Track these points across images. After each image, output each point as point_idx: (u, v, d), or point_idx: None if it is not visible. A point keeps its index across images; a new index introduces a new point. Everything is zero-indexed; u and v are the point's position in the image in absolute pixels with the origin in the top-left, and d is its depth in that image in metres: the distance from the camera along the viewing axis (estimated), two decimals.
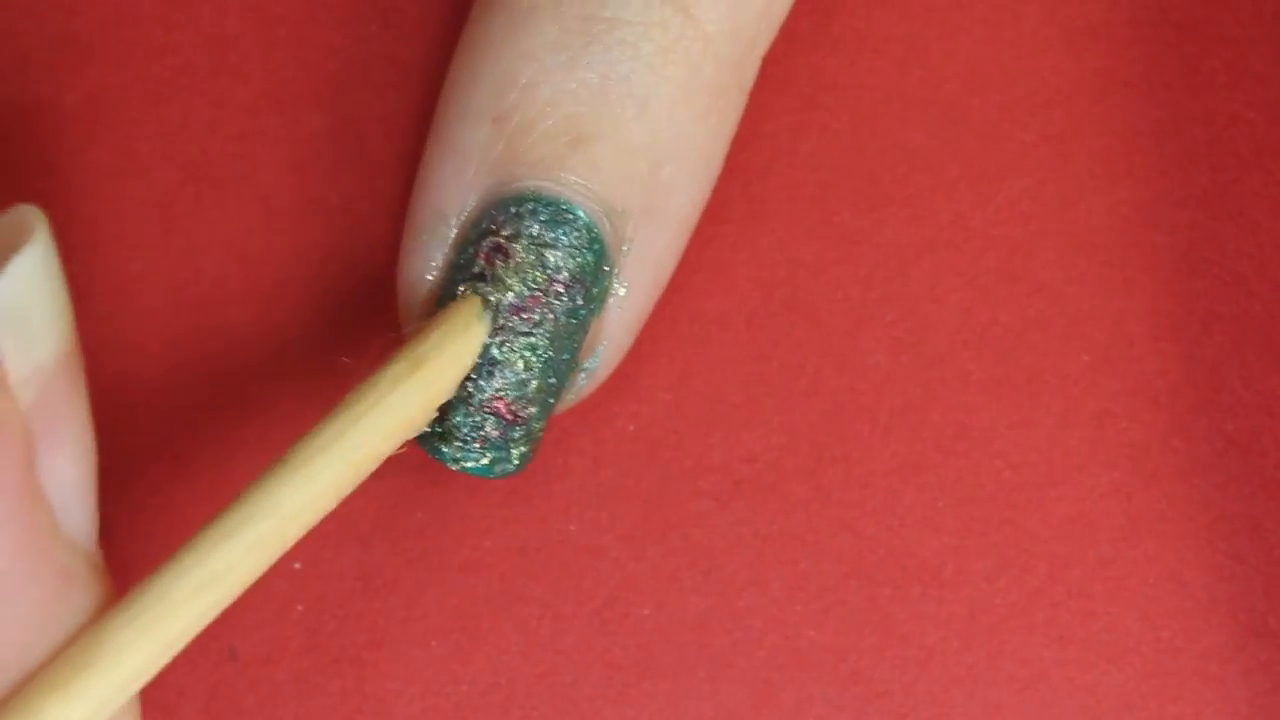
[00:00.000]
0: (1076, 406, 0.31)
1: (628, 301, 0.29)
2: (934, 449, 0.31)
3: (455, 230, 0.28)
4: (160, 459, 0.31)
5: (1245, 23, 0.31)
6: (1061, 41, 0.31)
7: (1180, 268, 0.31)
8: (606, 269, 0.28)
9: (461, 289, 0.28)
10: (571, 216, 0.28)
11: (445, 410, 0.28)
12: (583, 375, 0.29)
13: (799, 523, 0.30)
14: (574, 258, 0.28)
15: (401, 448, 0.26)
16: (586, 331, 0.28)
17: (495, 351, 0.28)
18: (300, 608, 0.30)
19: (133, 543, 0.30)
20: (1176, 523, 0.30)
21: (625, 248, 0.28)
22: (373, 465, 0.26)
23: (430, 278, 0.28)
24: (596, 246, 0.28)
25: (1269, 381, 0.30)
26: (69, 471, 0.25)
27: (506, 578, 0.30)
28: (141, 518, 0.30)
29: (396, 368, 0.26)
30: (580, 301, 0.28)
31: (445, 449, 0.28)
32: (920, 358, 0.31)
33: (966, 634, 0.30)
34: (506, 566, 0.30)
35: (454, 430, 0.28)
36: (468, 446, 0.28)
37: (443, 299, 0.28)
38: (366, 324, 0.31)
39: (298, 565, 0.30)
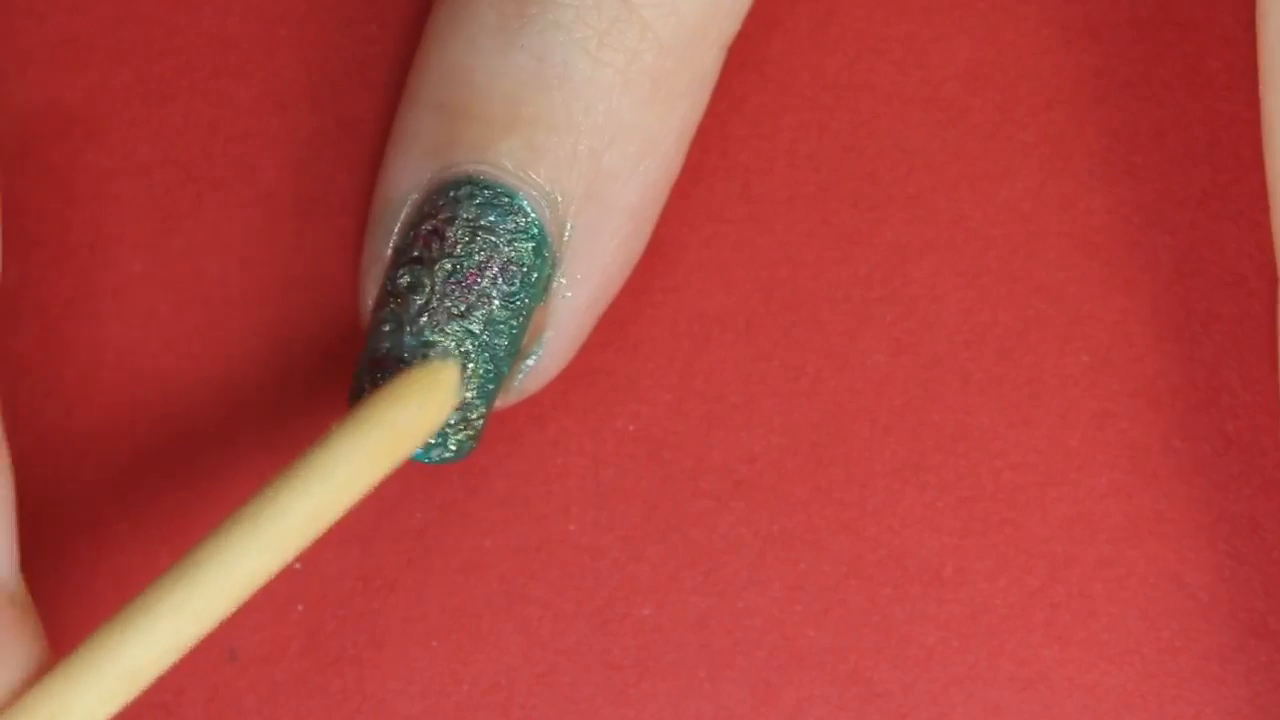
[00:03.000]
0: (1076, 406, 0.31)
1: (572, 290, 0.29)
2: (934, 449, 0.31)
3: (402, 218, 0.29)
4: (160, 459, 0.31)
5: (1246, 23, 0.31)
6: (1061, 42, 0.31)
7: (1180, 268, 0.31)
8: (546, 255, 0.28)
9: (404, 278, 0.28)
10: (507, 200, 0.28)
11: None
12: (526, 365, 0.29)
13: (799, 523, 0.30)
14: (510, 242, 0.28)
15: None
16: (527, 319, 0.28)
17: (429, 334, 0.28)
18: (300, 608, 0.30)
19: (133, 545, 0.30)
20: (1176, 523, 0.30)
21: (566, 234, 0.28)
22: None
23: (381, 265, 0.29)
24: (534, 231, 0.28)
25: (1269, 382, 0.30)
26: None
27: (507, 578, 0.30)
28: (141, 519, 0.30)
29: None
30: (517, 286, 0.28)
31: None
32: (920, 358, 0.31)
33: (966, 634, 0.30)
34: (507, 567, 0.30)
35: None
36: None
37: (387, 283, 0.28)
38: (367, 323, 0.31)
39: (298, 566, 0.30)
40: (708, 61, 0.29)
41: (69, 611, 0.30)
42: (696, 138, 0.31)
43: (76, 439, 0.31)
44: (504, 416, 0.31)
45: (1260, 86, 0.29)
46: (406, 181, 0.29)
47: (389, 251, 0.29)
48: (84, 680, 0.25)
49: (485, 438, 0.30)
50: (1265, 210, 0.31)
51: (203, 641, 0.30)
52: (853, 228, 0.31)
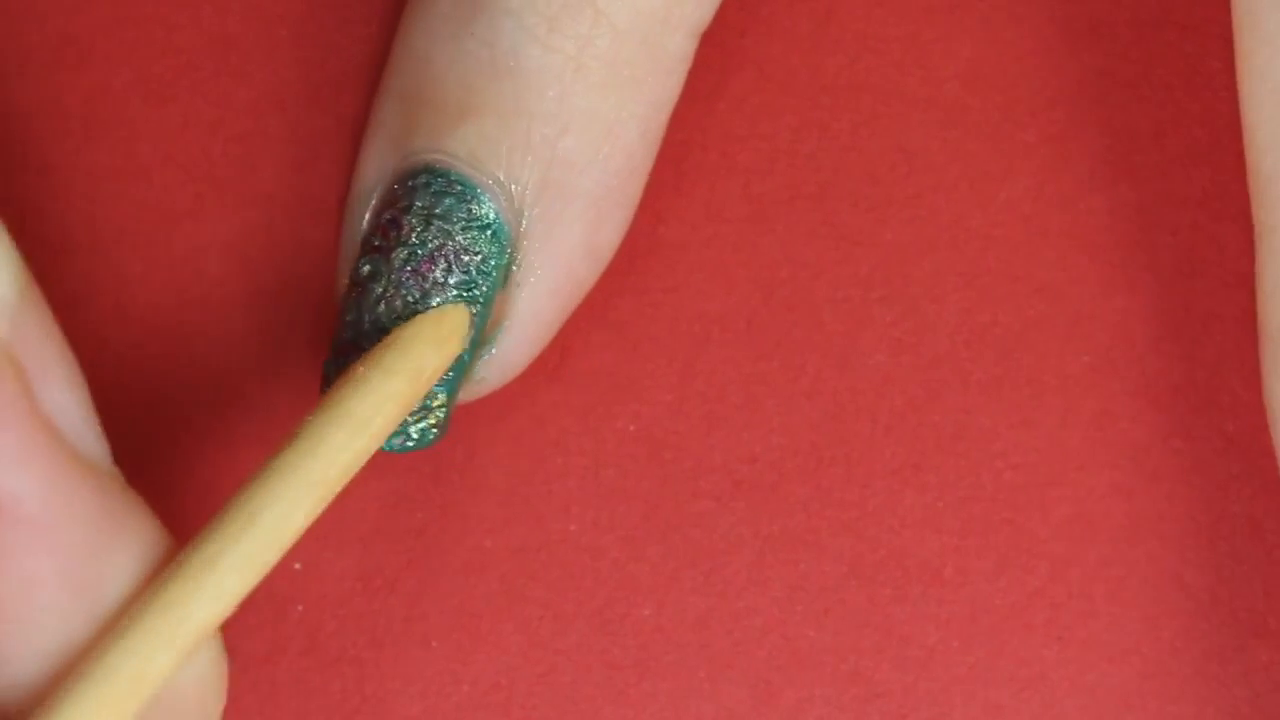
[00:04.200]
0: (1077, 407, 0.31)
1: (532, 278, 0.29)
2: (934, 449, 0.31)
3: (370, 208, 0.29)
4: (161, 459, 0.31)
5: None
6: (1062, 41, 0.31)
7: (1181, 268, 0.31)
8: (503, 243, 0.28)
9: (365, 267, 0.28)
10: (461, 187, 0.28)
11: None
12: (487, 354, 0.29)
13: (799, 523, 0.30)
14: (464, 229, 0.28)
15: None
16: (487, 308, 0.28)
17: (385, 321, 0.28)
18: (300, 608, 0.30)
19: None
20: (1177, 523, 0.30)
21: (524, 223, 0.28)
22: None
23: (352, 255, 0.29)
24: (490, 219, 0.28)
25: None
26: (67, 397, 0.25)
27: (507, 578, 0.30)
28: None
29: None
30: (472, 274, 0.28)
31: None
32: (921, 358, 0.31)
33: (967, 634, 0.30)
34: (507, 567, 0.30)
35: None
36: None
37: (352, 273, 0.29)
38: None
39: (298, 566, 0.30)
40: (672, 48, 0.29)
41: None
42: (696, 137, 0.31)
43: None
44: (504, 417, 0.31)
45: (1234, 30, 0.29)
46: (374, 172, 0.29)
47: (358, 242, 0.29)
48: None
49: (487, 439, 0.30)
50: None
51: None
52: (853, 228, 0.31)
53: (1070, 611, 0.30)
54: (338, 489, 0.26)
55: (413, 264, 0.28)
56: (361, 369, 0.26)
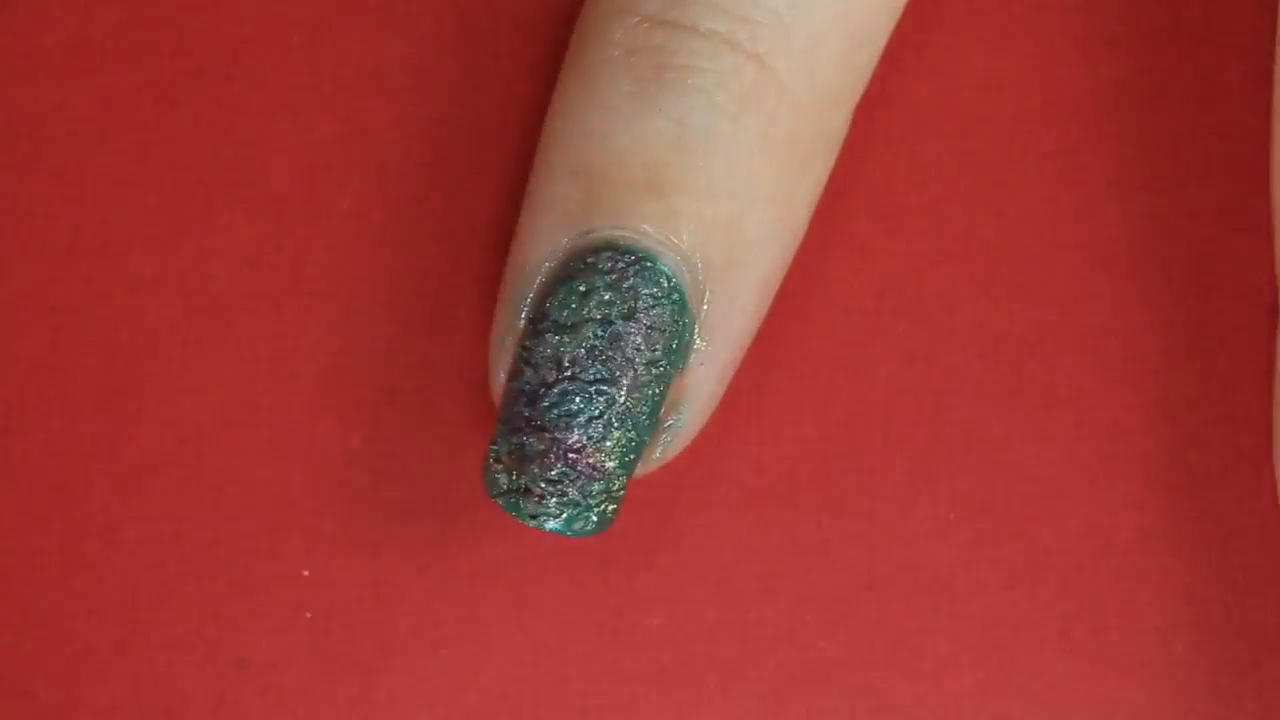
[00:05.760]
0: (1090, 419, 0.31)
1: (710, 357, 0.28)
2: (946, 460, 0.31)
3: (537, 285, 0.28)
4: (169, 464, 0.30)
5: (1262, 34, 0.31)
6: (1077, 53, 0.31)
7: (1195, 281, 0.31)
8: (687, 322, 0.28)
9: (543, 347, 0.28)
10: (649, 265, 0.27)
11: (521, 463, 0.27)
12: (666, 435, 0.28)
13: (810, 533, 0.30)
14: (652, 308, 0.27)
15: None
16: (668, 387, 0.28)
17: (571, 403, 0.27)
18: (309, 615, 0.30)
19: (141, 548, 0.30)
20: (1189, 536, 0.30)
21: (705, 301, 0.28)
22: None
23: (515, 334, 0.28)
24: (676, 297, 0.28)
25: None
26: None
27: (517, 586, 0.30)
28: (149, 523, 0.30)
29: None
30: (659, 353, 0.28)
31: (523, 504, 0.28)
32: (933, 369, 0.31)
33: (978, 646, 0.30)
34: (517, 575, 0.30)
35: (531, 485, 0.27)
36: (545, 503, 0.28)
37: (523, 353, 0.28)
38: (377, 329, 0.31)
39: (306, 573, 0.30)
40: (838, 124, 0.29)
41: (75, 615, 0.30)
42: None
43: (85, 442, 0.30)
44: None
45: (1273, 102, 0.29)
46: (541, 249, 0.28)
47: (523, 321, 0.28)
48: None
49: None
50: None
51: (211, 648, 0.30)
52: (866, 237, 0.31)
53: (1082, 624, 0.30)
54: None
55: (601, 344, 0.27)
56: None
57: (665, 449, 0.29)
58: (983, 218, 0.31)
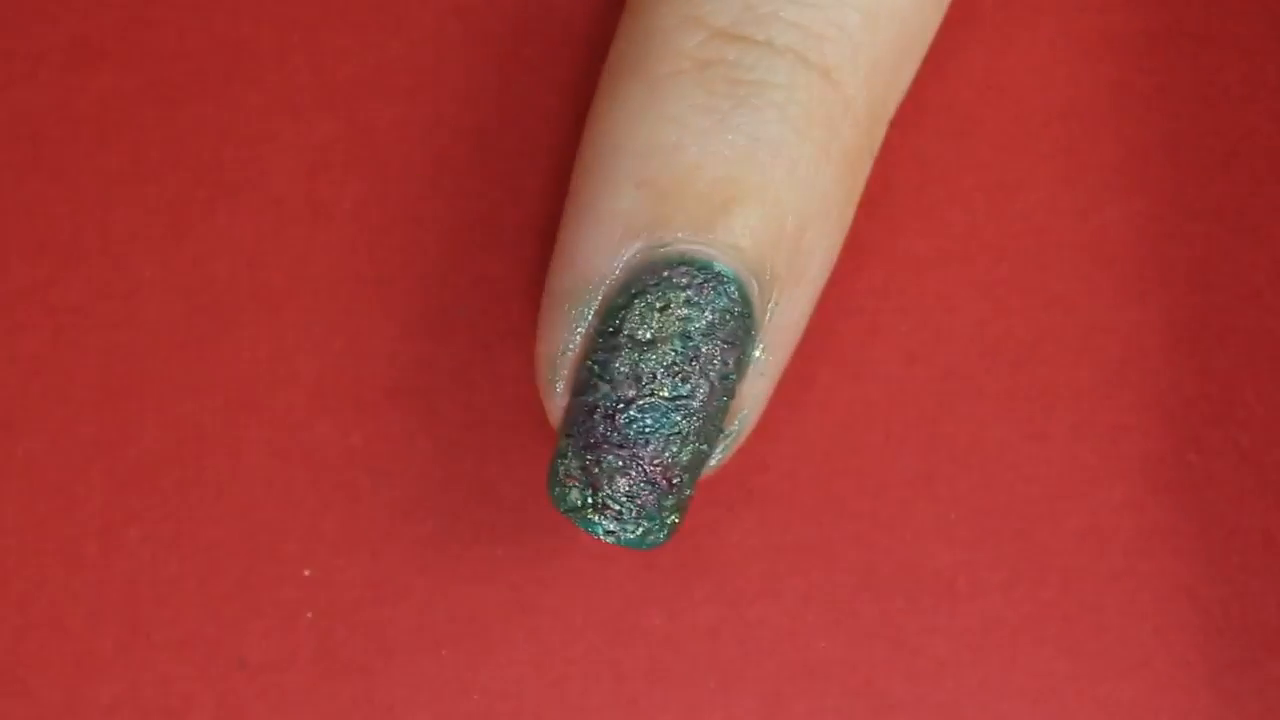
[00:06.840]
0: (1089, 419, 0.31)
1: (767, 367, 0.28)
2: (947, 460, 0.31)
3: (600, 297, 0.28)
4: (169, 464, 0.30)
5: (1262, 35, 0.31)
6: (1077, 53, 0.31)
7: (1194, 280, 0.31)
8: (753, 333, 0.28)
9: (617, 363, 0.27)
10: (723, 279, 0.27)
11: (598, 480, 0.27)
12: (724, 443, 0.28)
13: (811, 533, 0.30)
14: (724, 321, 0.27)
15: None
16: (732, 398, 0.28)
17: (652, 418, 0.27)
18: (310, 615, 0.30)
19: (141, 548, 0.30)
20: (1189, 536, 0.30)
21: (769, 312, 0.28)
22: None
23: (574, 347, 0.28)
24: (746, 309, 0.28)
25: None
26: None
27: (517, 586, 0.30)
28: (149, 523, 0.30)
29: None
30: (731, 365, 0.28)
31: (598, 520, 0.27)
32: (933, 369, 0.31)
33: (978, 646, 0.30)
34: (517, 575, 0.30)
35: (608, 501, 0.27)
36: (623, 518, 0.27)
37: (595, 368, 0.28)
38: (377, 330, 0.31)
39: (308, 573, 0.30)
40: (879, 136, 0.29)
41: (77, 617, 0.30)
42: None
43: (86, 443, 0.30)
44: (515, 427, 0.31)
45: None
46: (605, 262, 0.28)
47: (579, 334, 0.28)
48: None
49: (499, 447, 0.30)
50: None
51: (212, 649, 0.30)
52: (867, 237, 0.31)
53: (1082, 624, 0.30)
54: None
55: (678, 357, 0.27)
56: None
57: (721, 456, 0.29)
58: (983, 218, 0.31)
